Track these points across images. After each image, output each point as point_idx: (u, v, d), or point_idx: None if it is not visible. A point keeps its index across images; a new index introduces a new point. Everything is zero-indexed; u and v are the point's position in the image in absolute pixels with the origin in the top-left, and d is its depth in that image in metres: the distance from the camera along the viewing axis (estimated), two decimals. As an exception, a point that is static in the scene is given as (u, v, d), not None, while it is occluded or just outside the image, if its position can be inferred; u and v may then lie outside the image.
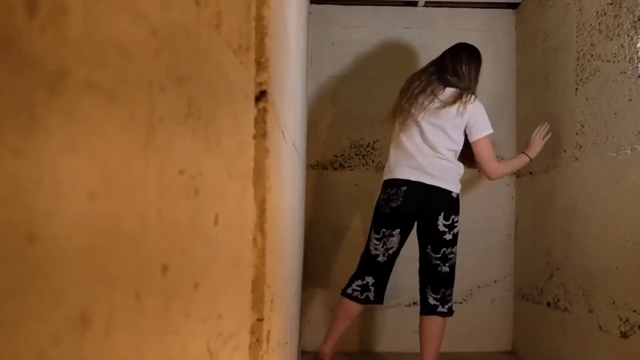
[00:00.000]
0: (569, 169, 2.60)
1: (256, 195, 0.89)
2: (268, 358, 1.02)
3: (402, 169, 2.49)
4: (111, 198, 0.35)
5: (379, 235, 2.51)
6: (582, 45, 2.52)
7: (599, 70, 2.36)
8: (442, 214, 2.42)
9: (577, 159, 2.53)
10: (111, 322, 0.35)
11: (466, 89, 2.47)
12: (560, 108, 2.72)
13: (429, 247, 2.45)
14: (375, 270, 2.51)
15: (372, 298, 2.51)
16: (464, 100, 2.42)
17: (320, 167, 3.24)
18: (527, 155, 2.64)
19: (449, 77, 2.49)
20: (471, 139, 2.46)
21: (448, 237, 2.43)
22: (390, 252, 2.51)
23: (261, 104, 0.90)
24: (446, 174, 2.45)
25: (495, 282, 3.28)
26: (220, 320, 0.66)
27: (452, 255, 2.45)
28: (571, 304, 2.52)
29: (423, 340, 2.43)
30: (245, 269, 0.84)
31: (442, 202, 2.44)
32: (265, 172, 0.90)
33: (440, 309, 2.41)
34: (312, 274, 3.07)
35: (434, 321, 2.41)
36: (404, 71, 3.30)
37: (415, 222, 2.53)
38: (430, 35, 3.31)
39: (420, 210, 2.45)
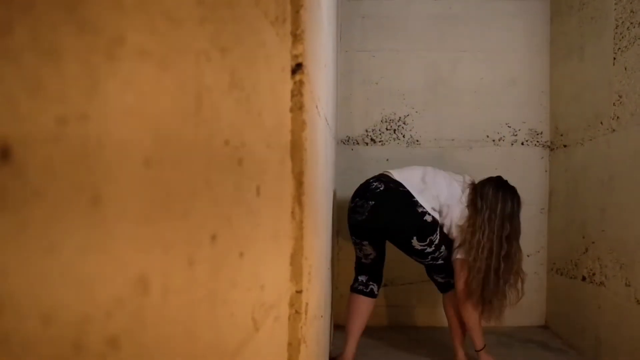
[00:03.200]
0: (606, 140, 2.54)
1: (294, 167, 0.89)
2: (306, 330, 1.03)
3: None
4: (164, 165, 0.35)
5: (352, 240, 2.44)
6: (621, 13, 2.43)
7: (639, 39, 2.28)
8: (415, 238, 2.26)
9: (614, 130, 2.46)
10: (167, 287, 0.36)
11: None
12: (596, 78, 2.65)
13: (414, 257, 2.37)
14: (364, 270, 2.44)
15: (376, 292, 2.44)
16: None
17: (351, 142, 3.23)
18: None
19: None
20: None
21: (430, 249, 2.30)
22: (370, 257, 2.41)
23: (297, 77, 0.89)
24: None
25: (528, 256, 3.23)
26: (263, 290, 0.67)
27: (442, 254, 2.34)
28: (607, 278, 2.48)
29: (449, 314, 2.47)
30: (285, 241, 0.85)
31: (412, 226, 2.26)
32: (302, 145, 0.90)
33: (452, 282, 2.40)
34: (343, 249, 3.08)
35: (453, 297, 2.41)
36: (434, 43, 3.26)
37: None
38: (462, 6, 3.24)
39: (389, 229, 2.29)
